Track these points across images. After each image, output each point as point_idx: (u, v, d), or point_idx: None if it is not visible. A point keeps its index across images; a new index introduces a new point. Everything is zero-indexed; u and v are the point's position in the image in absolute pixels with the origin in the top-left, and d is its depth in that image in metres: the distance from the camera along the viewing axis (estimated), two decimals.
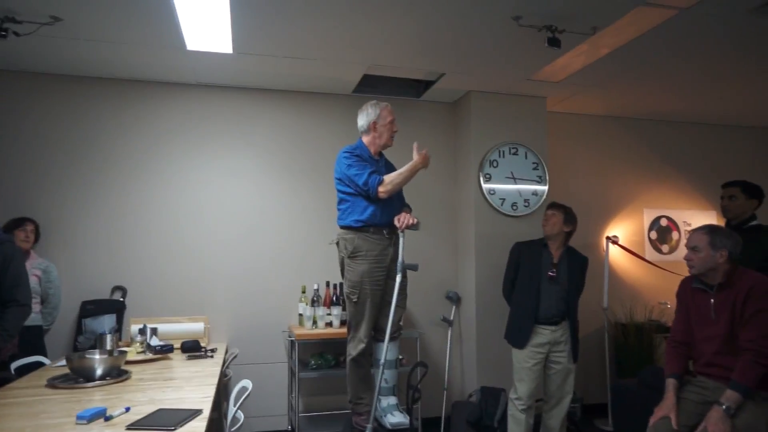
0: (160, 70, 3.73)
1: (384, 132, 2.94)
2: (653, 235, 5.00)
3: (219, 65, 3.62)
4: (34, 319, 3.22)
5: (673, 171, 5.09)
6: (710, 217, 5.03)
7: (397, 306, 2.76)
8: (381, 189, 2.76)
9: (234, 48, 3.32)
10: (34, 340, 3.31)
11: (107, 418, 1.86)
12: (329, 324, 3.77)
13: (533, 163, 4.25)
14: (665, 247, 5.01)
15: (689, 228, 4.94)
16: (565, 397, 3.24)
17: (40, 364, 3.04)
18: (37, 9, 2.79)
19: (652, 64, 3.65)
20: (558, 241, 3.32)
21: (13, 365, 2.90)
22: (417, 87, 4.24)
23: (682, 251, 4.94)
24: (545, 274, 3.25)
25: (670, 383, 2.43)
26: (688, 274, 2.58)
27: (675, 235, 5.06)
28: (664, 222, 5.04)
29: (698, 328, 2.48)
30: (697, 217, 5.04)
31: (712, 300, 2.44)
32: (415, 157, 2.86)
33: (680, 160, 5.11)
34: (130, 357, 2.94)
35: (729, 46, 3.36)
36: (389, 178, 2.80)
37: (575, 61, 3.58)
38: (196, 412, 1.92)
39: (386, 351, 2.74)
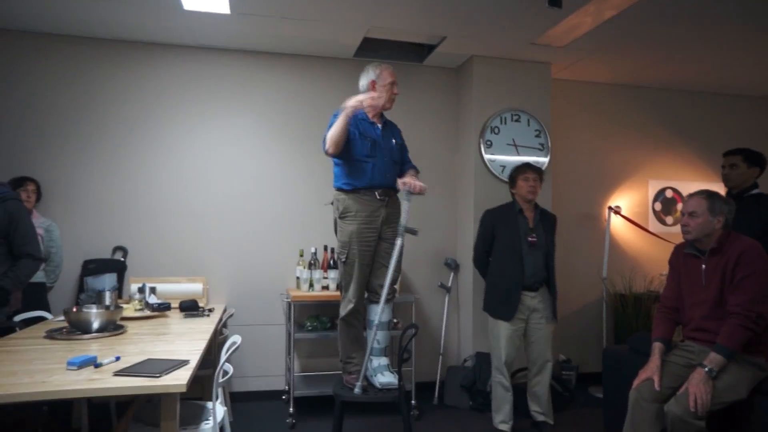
0: (158, 31, 3.71)
1: (383, 93, 2.90)
2: (657, 206, 4.94)
3: (217, 26, 3.59)
4: (37, 276, 3.28)
5: (679, 141, 4.99)
6: (716, 189, 4.93)
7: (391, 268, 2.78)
8: (326, 147, 2.76)
9: (231, 8, 3.28)
10: (37, 297, 3.40)
11: (97, 365, 1.92)
12: (326, 287, 3.81)
13: (536, 130, 4.19)
14: (669, 219, 4.96)
15: None
16: (548, 361, 3.23)
17: (42, 319, 3.12)
18: None
19: (658, 29, 3.55)
20: (532, 204, 3.29)
21: (17, 318, 2.98)
22: (419, 51, 4.17)
23: None
24: (526, 240, 3.20)
25: (656, 347, 2.44)
26: None
27: (680, 206, 4.98)
28: (669, 193, 4.98)
29: (688, 294, 2.48)
30: (703, 188, 4.96)
31: (704, 266, 2.42)
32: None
33: (687, 130, 5.01)
34: (128, 314, 3.01)
35: (739, 12, 3.25)
36: (328, 134, 2.75)
37: (580, 24, 3.49)
38: (183, 362, 1.97)
39: (381, 312, 2.78)
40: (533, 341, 3.23)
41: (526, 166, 3.32)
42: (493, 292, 3.33)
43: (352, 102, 2.69)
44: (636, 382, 2.39)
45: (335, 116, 2.85)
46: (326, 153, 2.79)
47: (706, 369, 2.18)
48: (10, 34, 3.69)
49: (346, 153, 2.82)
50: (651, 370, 2.36)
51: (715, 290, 2.34)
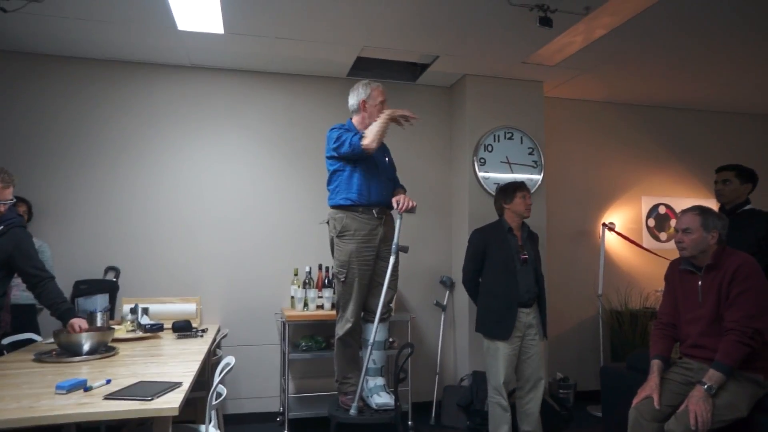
0: (152, 51, 3.72)
1: (374, 112, 2.91)
2: (651, 222, 4.96)
3: (211, 46, 3.61)
4: (26, 298, 3.25)
5: (672, 158, 5.04)
6: (710, 205, 4.96)
7: (387, 287, 2.76)
8: (364, 142, 2.71)
9: (225, 28, 3.31)
10: (27, 319, 3.34)
11: (87, 389, 1.88)
12: (320, 306, 3.77)
13: (529, 148, 4.21)
14: (663, 235, 4.98)
15: None
16: (541, 378, 3.18)
17: (31, 341, 3.06)
18: None
19: (648, 47, 3.60)
20: (521, 222, 3.28)
21: (5, 341, 2.92)
22: (413, 70, 4.21)
23: None
24: (518, 258, 3.18)
25: (655, 364, 2.42)
26: None
27: (673, 222, 5.02)
28: (662, 210, 5.00)
29: (685, 310, 2.47)
30: (695, 204, 4.99)
31: (700, 282, 2.42)
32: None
33: (680, 147, 5.06)
34: (120, 335, 2.96)
35: (731, 29, 3.30)
36: (368, 131, 2.77)
37: (571, 43, 3.54)
38: (175, 385, 1.93)
39: (375, 331, 2.75)
40: (527, 358, 3.18)
41: (522, 185, 3.31)
42: (486, 312, 3.25)
43: (398, 112, 2.81)
44: (635, 401, 2.36)
45: (334, 130, 2.86)
46: (362, 152, 2.74)
47: (706, 386, 2.16)
48: (4, 55, 3.69)
49: (353, 161, 2.82)
50: (650, 388, 2.34)
51: (712, 306, 2.33)
